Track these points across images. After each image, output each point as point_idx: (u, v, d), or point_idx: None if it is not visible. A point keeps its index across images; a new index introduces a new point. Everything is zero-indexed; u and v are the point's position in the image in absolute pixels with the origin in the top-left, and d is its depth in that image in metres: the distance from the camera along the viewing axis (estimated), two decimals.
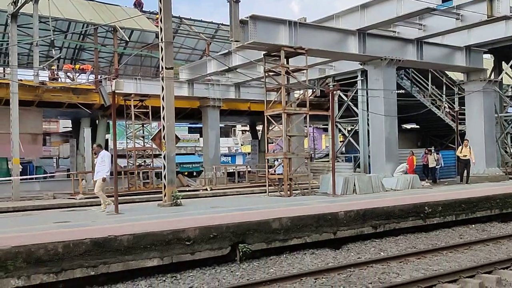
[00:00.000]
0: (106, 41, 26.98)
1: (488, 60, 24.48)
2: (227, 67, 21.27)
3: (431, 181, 20.60)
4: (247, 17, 14.89)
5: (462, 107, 23.14)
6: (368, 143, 22.68)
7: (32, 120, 23.04)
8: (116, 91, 12.56)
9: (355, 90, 25.48)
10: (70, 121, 31.29)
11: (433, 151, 21.80)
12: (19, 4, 19.23)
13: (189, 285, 8.17)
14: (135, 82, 23.57)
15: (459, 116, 23.23)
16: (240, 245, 9.55)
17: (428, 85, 26.74)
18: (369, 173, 20.09)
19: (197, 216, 10.63)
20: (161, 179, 13.89)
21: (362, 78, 24.34)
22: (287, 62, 16.05)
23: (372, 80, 18.82)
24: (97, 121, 26.34)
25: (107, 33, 26.47)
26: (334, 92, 17.14)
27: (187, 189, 21.85)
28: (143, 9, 29.01)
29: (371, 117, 19.86)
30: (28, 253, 7.65)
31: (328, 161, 27.85)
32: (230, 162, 37.52)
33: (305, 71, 16.67)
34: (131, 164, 23.98)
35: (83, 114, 25.01)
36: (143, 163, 24.06)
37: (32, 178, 24.19)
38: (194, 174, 31.11)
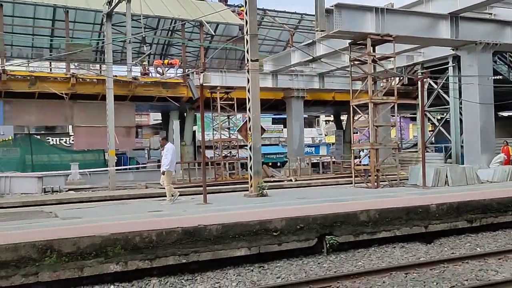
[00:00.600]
0: (192, 35, 27.81)
1: None
2: (311, 57, 21.07)
3: None
4: (332, 6, 14.63)
5: None
6: (461, 132, 21.44)
7: (126, 114, 24.33)
8: (204, 84, 12.88)
9: (446, 77, 24.13)
10: (160, 114, 32.69)
11: None
12: (113, 4, 20.35)
13: (276, 276, 8.21)
14: (221, 75, 24.08)
15: None
16: (327, 236, 9.43)
17: None
18: (462, 164, 19.01)
19: (283, 207, 10.65)
20: (247, 170, 14.09)
21: (454, 65, 22.96)
22: (374, 50, 15.57)
23: (466, 66, 17.75)
24: (185, 113, 27.31)
25: (194, 28, 27.26)
26: (424, 80, 16.38)
27: (271, 180, 22.02)
28: (228, 3, 29.48)
29: (464, 105, 18.74)
30: (125, 240, 8.06)
31: (416, 152, 26.74)
32: (313, 152, 37.18)
33: (392, 59, 16.07)
34: (217, 155, 24.61)
35: (172, 107, 26.03)
36: (229, 154, 24.59)
37: (126, 169, 25.69)
38: (278, 164, 31.24)
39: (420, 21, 16.45)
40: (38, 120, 24.32)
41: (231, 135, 24.84)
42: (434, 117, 27.95)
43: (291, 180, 22.32)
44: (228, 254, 8.81)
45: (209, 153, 26.37)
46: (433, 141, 27.01)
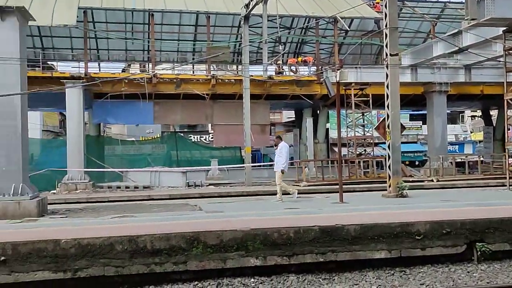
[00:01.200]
0: (326, 32, 27.61)
1: None
2: (456, 48, 19.55)
3: None
4: None
5: None
6: None
7: (261, 112, 25.04)
8: (339, 81, 12.68)
9: None
10: (293, 111, 33.08)
11: None
12: (250, 7, 21.06)
13: (420, 282, 7.74)
14: (355, 71, 23.56)
15: None
16: (477, 244, 8.64)
17: None
18: None
19: (426, 209, 10.04)
20: (381, 169, 13.56)
21: None
22: None
23: None
24: (318, 111, 27.25)
25: (327, 25, 27.04)
26: None
27: (410, 180, 20.93)
28: None
29: None
30: (264, 235, 8.22)
31: None
32: (457, 151, 34.77)
33: None
34: (351, 153, 24.15)
35: (305, 105, 26.15)
36: (363, 152, 23.99)
37: (260, 165, 26.46)
38: (417, 163, 29.74)
39: None
40: (182, 119, 26.14)
41: (365, 132, 24.19)
42: None
43: (432, 181, 21.03)
44: (366, 256, 8.52)
45: (342, 151, 26.00)
46: None
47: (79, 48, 25.46)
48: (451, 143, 36.29)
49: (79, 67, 22.78)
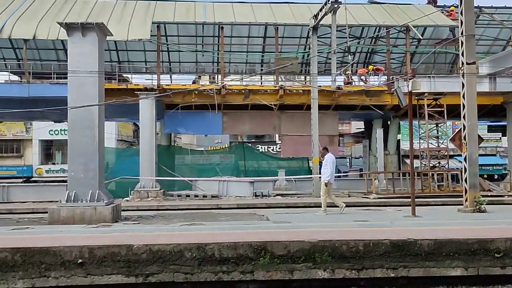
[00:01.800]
0: (397, 41, 26.93)
1: None
2: None
3: None
4: None
5: None
6: None
7: (329, 123, 24.74)
8: (412, 91, 12.28)
9: None
10: (362, 122, 32.46)
11: None
12: (319, 17, 20.98)
13: None
14: (429, 80, 22.69)
15: None
16: None
17: None
18: None
19: (506, 226, 9.42)
20: (457, 182, 12.92)
21: None
22: None
23: None
24: (388, 121, 26.54)
25: (399, 34, 26.36)
26: None
27: (489, 194, 19.79)
28: (437, 4, 27.73)
29: None
30: (332, 248, 8.06)
31: None
32: None
33: None
34: (424, 165, 23.24)
35: (375, 116, 25.56)
36: (437, 164, 23.01)
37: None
38: (496, 177, 28.12)
39: None
40: (250, 129, 26.41)
41: (440, 144, 23.21)
42: None
43: None
44: (441, 273, 8.12)
45: (415, 163, 25.05)
46: None
47: (152, 61, 26.53)
48: None
49: (152, 79, 23.70)
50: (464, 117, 12.41)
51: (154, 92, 22.02)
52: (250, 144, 34.34)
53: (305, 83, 27.26)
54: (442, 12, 26.00)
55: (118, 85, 23.04)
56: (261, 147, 37.77)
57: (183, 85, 25.00)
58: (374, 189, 20.45)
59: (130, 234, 9.05)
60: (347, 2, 20.32)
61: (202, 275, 7.60)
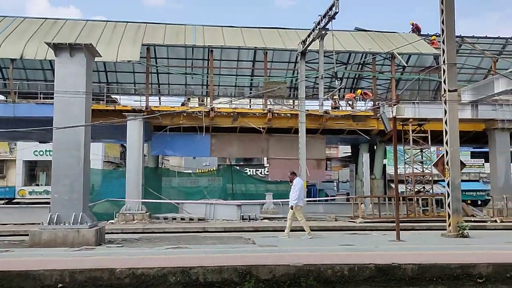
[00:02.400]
0: (383, 68, 27.42)
1: None
2: None
3: None
4: None
5: None
6: None
7: (317, 147, 24.89)
8: (396, 117, 12.50)
9: None
10: (349, 146, 32.73)
11: None
12: (307, 43, 21.36)
13: None
14: (413, 106, 23.07)
15: None
16: None
17: None
18: None
19: (489, 251, 9.54)
20: (441, 207, 13.07)
21: None
22: None
23: None
24: (375, 146, 26.82)
25: (385, 60, 26.88)
26: None
27: (472, 220, 20.00)
28: (421, 33, 28.41)
29: None
30: (318, 272, 8.08)
31: None
32: None
33: None
34: (409, 190, 23.45)
35: (361, 140, 25.83)
36: (422, 189, 23.23)
37: (315, 201, 26.17)
38: (479, 203, 28.39)
39: None
40: (238, 152, 26.43)
41: (424, 169, 23.48)
42: None
43: (495, 221, 19.99)
44: None
45: (400, 188, 25.26)
46: None
47: (141, 82, 26.65)
48: None
49: (140, 101, 23.72)
50: (446, 142, 12.64)
51: (142, 114, 22.06)
52: (238, 167, 34.33)
53: (293, 107, 27.46)
54: (425, 40, 26.62)
55: (106, 106, 23.03)
56: (249, 170, 37.73)
57: (171, 107, 25.08)
58: (360, 214, 20.53)
59: (113, 258, 8.98)
60: (334, 29, 20.65)
61: None
